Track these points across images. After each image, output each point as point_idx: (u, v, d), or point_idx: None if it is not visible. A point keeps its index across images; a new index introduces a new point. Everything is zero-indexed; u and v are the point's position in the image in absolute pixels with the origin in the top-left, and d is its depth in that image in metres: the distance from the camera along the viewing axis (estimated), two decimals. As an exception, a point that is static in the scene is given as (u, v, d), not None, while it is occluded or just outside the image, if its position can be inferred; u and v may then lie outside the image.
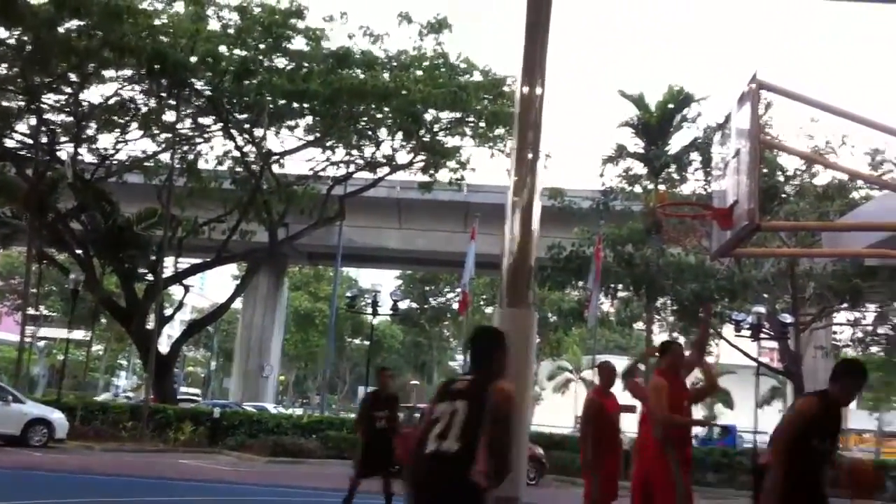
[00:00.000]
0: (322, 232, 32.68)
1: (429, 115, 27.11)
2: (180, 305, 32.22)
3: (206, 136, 29.10)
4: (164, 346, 31.85)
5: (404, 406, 29.79)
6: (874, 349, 34.93)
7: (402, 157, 28.77)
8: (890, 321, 31.89)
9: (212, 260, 31.05)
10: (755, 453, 25.70)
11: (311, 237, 32.48)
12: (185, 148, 28.88)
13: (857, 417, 56.69)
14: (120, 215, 27.82)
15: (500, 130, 26.85)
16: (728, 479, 24.41)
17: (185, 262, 32.04)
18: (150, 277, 28.74)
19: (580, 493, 12.01)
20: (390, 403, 10.84)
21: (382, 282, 62.80)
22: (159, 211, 27.78)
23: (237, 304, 42.32)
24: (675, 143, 30.44)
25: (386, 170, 29.44)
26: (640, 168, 30.52)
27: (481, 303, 50.80)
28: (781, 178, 29.01)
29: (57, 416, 21.89)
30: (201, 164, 29.25)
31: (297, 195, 28.17)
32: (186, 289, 31.62)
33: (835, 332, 36.35)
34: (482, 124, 27.07)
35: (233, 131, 28.02)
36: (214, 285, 70.70)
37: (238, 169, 29.00)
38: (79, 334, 45.88)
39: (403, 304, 51.09)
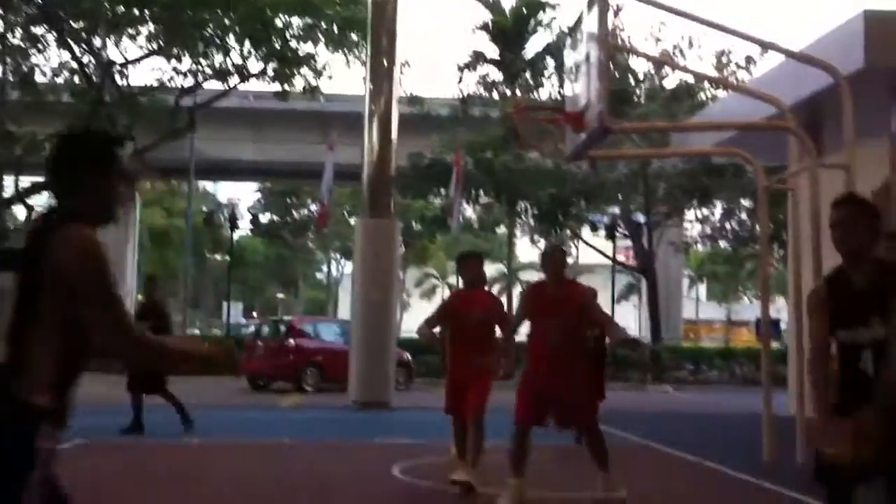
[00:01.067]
0: (172, 145, 31.43)
1: (279, 21, 26.17)
2: (26, 226, 30.63)
3: (39, 46, 27.27)
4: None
5: (267, 319, 29.53)
6: (722, 244, 36.73)
7: (254, 66, 27.77)
8: (736, 217, 33.46)
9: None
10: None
11: (162, 151, 31.21)
12: (18, 59, 27.07)
13: (706, 308, 59.97)
14: (-51, 132, 26.00)
15: (355, 37, 26.19)
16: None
17: (27, 181, 30.37)
18: (-13, 198, 27.27)
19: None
20: (156, 313, 10.27)
21: (242, 196, 61.51)
22: (-7, 127, 26.14)
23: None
24: (531, 49, 30.59)
25: (237, 79, 28.41)
26: (496, 74, 30.57)
27: (345, 213, 50.42)
28: (632, 82, 29.64)
29: None
30: (38, 77, 27.51)
31: (142, 107, 26.89)
32: (30, 209, 30.05)
33: (685, 230, 37.95)
34: (335, 30, 26.34)
35: (69, 41, 26.37)
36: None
37: (77, 81, 27.42)
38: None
39: (264, 218, 50.12)
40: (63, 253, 2.58)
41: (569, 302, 6.59)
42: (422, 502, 6.77)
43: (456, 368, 7.23)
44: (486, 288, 7.95)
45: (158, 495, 6.88)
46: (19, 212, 33.86)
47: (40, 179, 30.52)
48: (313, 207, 55.65)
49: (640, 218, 30.48)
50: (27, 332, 2.61)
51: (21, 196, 29.49)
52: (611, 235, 29.92)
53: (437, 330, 7.36)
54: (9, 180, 28.42)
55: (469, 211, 34.95)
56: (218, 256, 58.04)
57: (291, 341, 20.36)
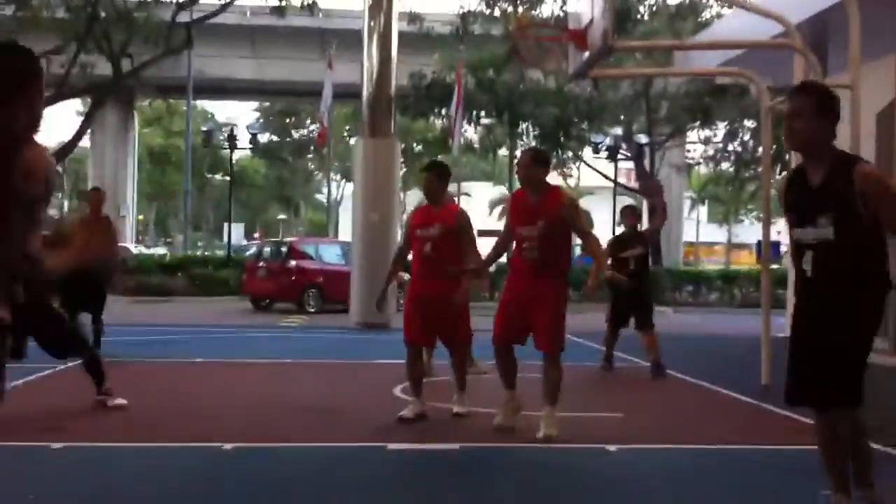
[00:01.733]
0: (170, 63, 31.00)
1: (275, -67, 25.65)
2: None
3: (32, -41, 26.69)
4: None
5: (269, 240, 29.55)
6: (724, 165, 36.50)
7: (251, -21, 27.30)
8: (739, 138, 33.19)
9: (52, 95, 29.14)
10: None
11: (159, 68, 30.77)
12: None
13: (707, 230, 59.99)
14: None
15: (354, -51, 25.61)
16: (588, 294, 25.53)
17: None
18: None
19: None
20: (101, 226, 9.63)
21: (241, 115, 60.91)
22: (-13, 44, 25.80)
23: (86, 143, 40.32)
24: (534, -37, 29.89)
25: (233, -8, 27.94)
26: (498, -10, 29.94)
27: (345, 134, 50.01)
28: (636, -1, 29.08)
29: None
30: (32, -7, 27.00)
31: (138, 23, 26.42)
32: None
33: (687, 151, 37.69)
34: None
35: (63, -45, 25.82)
36: (59, 123, 66.83)
37: (72, -5, 26.94)
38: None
39: (263, 138, 49.72)
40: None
41: (548, 209, 6.08)
42: (421, 419, 6.83)
43: (416, 292, 6.79)
44: (455, 203, 7.33)
45: (159, 411, 6.95)
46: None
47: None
48: (312, 127, 55.20)
49: (643, 139, 30.25)
50: None
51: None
52: (613, 157, 29.70)
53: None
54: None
55: (470, 132, 34.67)
56: (218, 177, 57.84)
57: (293, 263, 20.41)
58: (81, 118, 33.49)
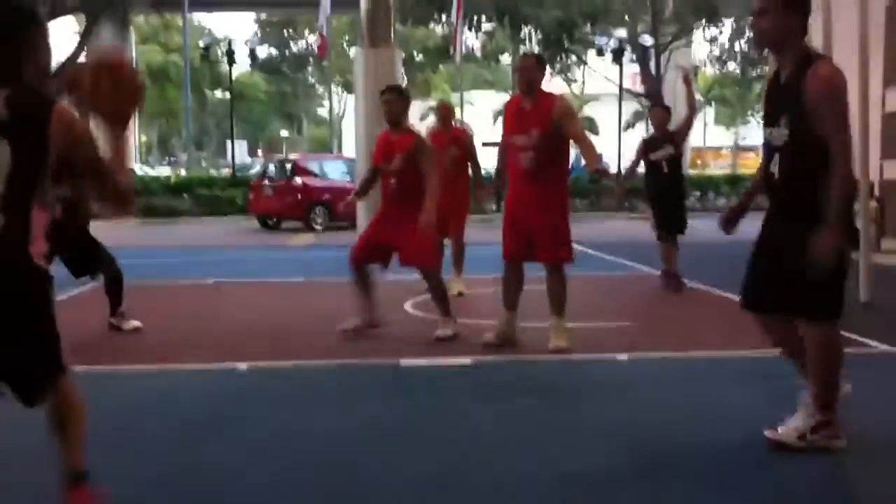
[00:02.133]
0: (164, -25, 30.46)
1: None
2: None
3: None
4: None
5: (273, 158, 29.39)
6: (731, 66, 35.96)
7: None
8: (746, 36, 32.60)
9: (46, 14, 28.74)
10: (619, 175, 26.74)
11: (153, -19, 30.27)
12: None
13: (714, 133, 59.46)
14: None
15: None
16: (594, 204, 25.46)
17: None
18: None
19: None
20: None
21: (238, 29, 59.90)
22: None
23: (82, 60, 39.80)
24: None
25: None
26: None
27: (344, 45, 49.24)
28: None
29: None
30: None
31: (132, -65, 25.82)
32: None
33: (694, 52, 37.09)
34: None
35: None
36: (54, 43, 65.73)
37: None
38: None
39: (262, 52, 49.01)
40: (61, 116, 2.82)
41: (541, 116, 5.90)
42: (432, 335, 6.88)
43: (381, 219, 6.77)
44: (413, 128, 6.93)
45: (173, 333, 7.00)
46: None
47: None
48: (311, 39, 54.32)
49: (648, 41, 29.73)
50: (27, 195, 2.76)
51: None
52: (617, 60, 29.22)
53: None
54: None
55: (471, 39, 34.11)
56: (218, 94, 57.23)
57: (298, 180, 20.32)
58: (77, 37, 32.98)
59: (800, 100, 3.63)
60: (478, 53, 37.23)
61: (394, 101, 6.58)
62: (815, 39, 6.68)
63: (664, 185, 9.16)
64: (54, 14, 29.08)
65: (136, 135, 45.88)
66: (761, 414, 4.28)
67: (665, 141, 9.21)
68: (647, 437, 4.24)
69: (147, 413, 4.77)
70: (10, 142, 2.67)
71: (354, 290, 6.70)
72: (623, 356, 5.92)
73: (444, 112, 8.99)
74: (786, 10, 3.67)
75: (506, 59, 39.14)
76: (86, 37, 31.40)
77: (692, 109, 9.32)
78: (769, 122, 3.84)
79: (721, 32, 33.66)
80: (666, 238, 9.26)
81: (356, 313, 6.79)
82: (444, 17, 29.17)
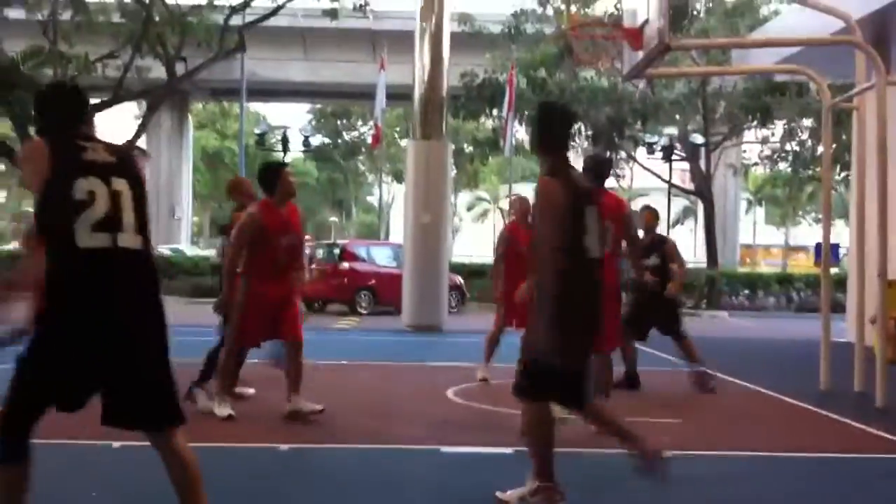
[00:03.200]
0: (223, 66, 31.40)
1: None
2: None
3: (89, -33, 27.25)
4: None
5: (321, 242, 29.75)
6: (782, 165, 35.88)
7: (303, -18, 27.54)
8: (797, 137, 32.60)
9: (109, 99, 29.71)
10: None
11: (213, 72, 31.20)
12: (70, -20, 27.08)
13: (764, 232, 59.04)
14: (4, 55, 26.22)
15: (405, -48, 25.68)
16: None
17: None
18: (45, 120, 27.63)
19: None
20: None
21: (293, 118, 61.53)
22: (46, 48, 26.31)
23: (142, 144, 41.01)
24: (587, -39, 29.68)
25: (286, -4, 28.20)
26: (550, -12, 29.78)
27: (395, 135, 50.18)
28: (691, -4, 28.72)
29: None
30: (88, -2, 27.57)
31: (192, 26, 26.79)
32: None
33: (744, 151, 37.13)
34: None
35: (116, -40, 26.35)
36: (116, 127, 68.05)
37: (127, 0, 27.43)
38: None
39: (316, 140, 50.08)
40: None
41: None
42: (476, 423, 6.78)
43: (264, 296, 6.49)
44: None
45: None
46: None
47: (94, 101, 30.83)
48: (364, 129, 55.50)
49: (698, 139, 29.84)
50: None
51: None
52: (667, 157, 29.30)
53: None
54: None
55: (521, 132, 34.54)
56: (271, 179, 58.29)
57: (345, 265, 20.51)
58: (138, 122, 34.06)
59: None
60: (527, 146, 37.67)
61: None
62: None
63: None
64: (117, 99, 30.13)
65: (188, 216, 46.88)
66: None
67: (652, 249, 8.69)
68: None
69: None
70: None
71: None
72: (669, 453, 5.76)
73: (524, 207, 8.62)
74: None
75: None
76: (145, 122, 32.41)
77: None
78: None
79: (772, 133, 33.72)
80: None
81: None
82: (495, 112, 29.63)
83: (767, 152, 34.36)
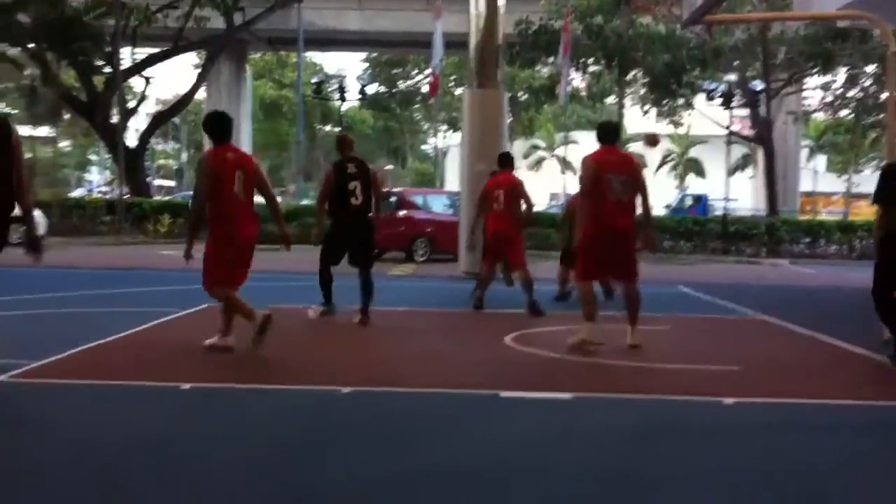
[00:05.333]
0: (280, 15, 31.53)
1: None
2: (143, 98, 31.55)
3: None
4: (131, 140, 31.47)
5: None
6: (843, 112, 35.03)
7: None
8: (860, 84, 31.76)
9: (169, 49, 30.08)
10: (726, 220, 26.31)
11: (270, 21, 31.35)
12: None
13: (825, 180, 57.79)
14: (68, 5, 26.61)
15: None
16: (699, 246, 25.06)
17: (142, 53, 31.08)
18: (107, 70, 28.09)
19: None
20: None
21: (349, 67, 61.44)
22: (108, -2, 26.70)
23: (201, 94, 41.45)
24: None
25: (343, -56, 28.08)
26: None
27: (450, 84, 49.94)
28: (754, -61, 27.95)
29: (35, 214, 21.84)
30: (150, -52, 27.75)
31: (250, -24, 26.95)
32: (147, 80, 30.82)
33: (805, 98, 36.28)
34: None
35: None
36: (176, 76, 68.75)
37: (185, -50, 27.61)
38: (43, 131, 45.18)
39: (371, 89, 50.15)
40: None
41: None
42: (535, 369, 6.89)
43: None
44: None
45: (278, 355, 7.17)
46: (136, 83, 34.80)
47: (155, 51, 31.21)
48: (419, 77, 55.31)
49: (758, 85, 29.23)
50: None
51: (137, 68, 30.24)
52: (726, 104, 28.79)
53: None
54: (124, 52, 29.14)
55: (577, 80, 34.15)
56: (327, 128, 58.64)
57: (402, 212, 20.63)
58: (197, 71, 34.39)
59: None
60: (583, 94, 37.24)
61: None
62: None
63: None
64: (177, 50, 30.44)
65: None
66: (871, 464, 4.15)
67: None
68: (747, 481, 4.16)
69: (251, 429, 4.92)
70: None
71: None
72: (729, 400, 5.81)
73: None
74: None
75: (610, 100, 39.05)
76: (205, 72, 32.73)
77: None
78: None
79: (834, 80, 32.88)
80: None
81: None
82: (550, 59, 29.32)
83: (829, 99, 33.54)
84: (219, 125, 7.35)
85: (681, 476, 4.20)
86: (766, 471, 4.31)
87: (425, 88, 51.13)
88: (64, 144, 59.14)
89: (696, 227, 25.74)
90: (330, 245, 9.28)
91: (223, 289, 7.09)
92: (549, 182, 46.82)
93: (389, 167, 67.93)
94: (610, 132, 7.91)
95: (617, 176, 7.56)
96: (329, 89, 36.56)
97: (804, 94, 35.43)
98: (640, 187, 7.69)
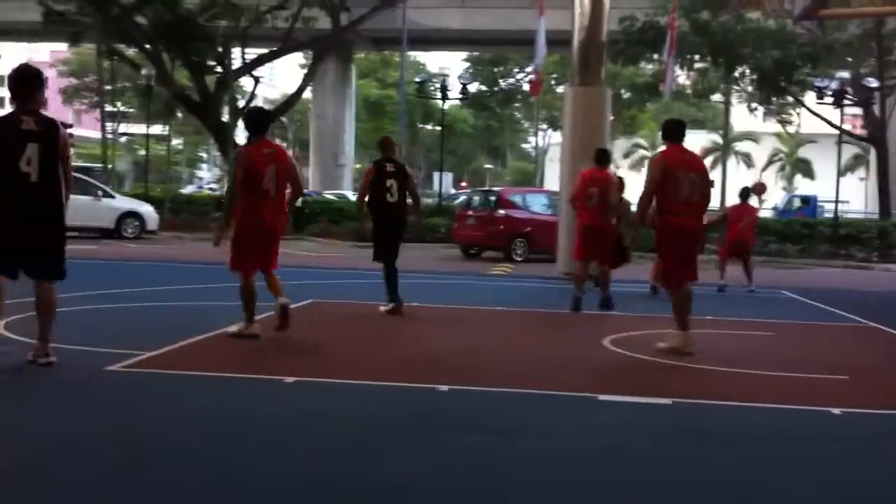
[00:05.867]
0: (385, 15, 31.94)
1: None
2: (252, 97, 32.37)
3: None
4: (240, 138, 32.40)
5: (477, 189, 30.02)
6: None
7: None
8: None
9: (278, 49, 30.85)
10: (836, 222, 25.45)
11: (375, 21, 31.80)
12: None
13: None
14: (183, 7, 27.55)
15: None
16: (807, 250, 24.29)
17: (252, 53, 31.93)
18: (219, 70, 28.97)
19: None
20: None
21: (451, 66, 61.83)
22: (220, 0, 27.50)
23: (308, 94, 42.27)
24: None
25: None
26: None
27: (553, 82, 49.68)
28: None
29: (147, 209, 22.88)
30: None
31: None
32: (256, 80, 31.64)
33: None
34: None
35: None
36: (283, 76, 70.33)
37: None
38: (157, 129, 46.89)
39: (473, 88, 50.29)
40: None
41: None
42: (633, 372, 6.84)
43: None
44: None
45: (377, 351, 7.30)
46: (246, 83, 35.75)
47: (264, 51, 32.04)
48: (520, 76, 55.19)
49: (872, 83, 28.16)
50: None
51: (247, 67, 31.09)
52: (838, 102, 27.79)
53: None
54: (235, 52, 29.99)
55: (682, 77, 33.54)
56: (429, 126, 59.06)
57: (501, 212, 20.65)
58: (303, 71, 35.13)
59: None
60: (688, 91, 36.56)
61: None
62: None
63: None
64: (286, 49, 31.15)
65: (351, 164, 48.20)
66: None
67: None
68: (857, 494, 4.06)
69: (350, 424, 5.02)
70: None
71: None
72: (836, 410, 5.65)
73: None
74: None
75: (717, 97, 38.23)
76: (311, 71, 33.43)
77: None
78: None
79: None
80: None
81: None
82: (655, 56, 28.88)
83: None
84: (256, 121, 7.79)
85: (791, 487, 4.11)
86: (877, 481, 4.19)
87: (526, 87, 51.05)
88: (176, 142, 61.25)
89: (805, 229, 25.00)
90: (377, 244, 9.79)
91: (241, 271, 7.46)
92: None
93: (489, 166, 68.02)
94: (678, 129, 7.86)
95: (686, 174, 7.42)
96: (431, 88, 36.85)
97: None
98: (705, 187, 7.61)
